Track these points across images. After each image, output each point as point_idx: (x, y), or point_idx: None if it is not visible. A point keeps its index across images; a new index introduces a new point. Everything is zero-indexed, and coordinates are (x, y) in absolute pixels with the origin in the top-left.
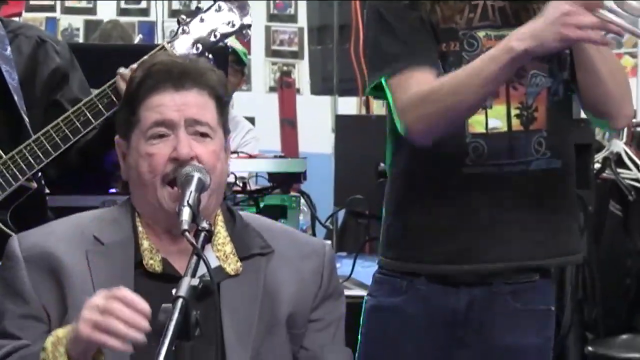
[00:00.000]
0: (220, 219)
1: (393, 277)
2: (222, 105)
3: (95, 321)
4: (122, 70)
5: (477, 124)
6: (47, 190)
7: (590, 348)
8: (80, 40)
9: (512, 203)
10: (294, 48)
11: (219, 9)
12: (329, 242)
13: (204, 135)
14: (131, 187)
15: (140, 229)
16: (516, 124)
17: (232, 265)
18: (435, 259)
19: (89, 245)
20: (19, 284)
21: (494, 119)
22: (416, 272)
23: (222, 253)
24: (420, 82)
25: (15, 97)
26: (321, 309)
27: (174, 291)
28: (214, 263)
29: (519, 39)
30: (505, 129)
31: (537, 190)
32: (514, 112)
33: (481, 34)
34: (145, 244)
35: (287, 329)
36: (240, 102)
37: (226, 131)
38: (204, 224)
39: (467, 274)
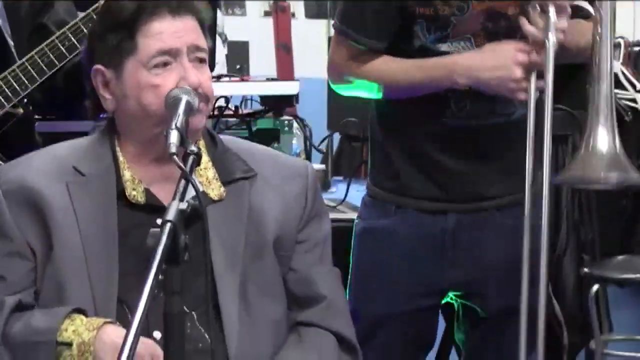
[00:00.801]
0: (202, 143)
1: (382, 201)
2: (206, 30)
3: None
4: None
5: None
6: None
7: (586, 269)
8: None
9: (494, 148)
10: None
11: None
12: (321, 166)
13: (202, 61)
14: (122, 117)
15: (121, 159)
16: None
17: (216, 190)
18: (419, 195)
19: (68, 176)
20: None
21: None
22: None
23: (205, 178)
24: (352, 54)
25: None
26: (307, 229)
27: (158, 221)
28: None
29: (463, 75)
30: None
31: (517, 135)
32: None
33: None
34: (126, 174)
35: (275, 251)
36: (235, 27)
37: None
38: (193, 147)
39: (453, 208)
